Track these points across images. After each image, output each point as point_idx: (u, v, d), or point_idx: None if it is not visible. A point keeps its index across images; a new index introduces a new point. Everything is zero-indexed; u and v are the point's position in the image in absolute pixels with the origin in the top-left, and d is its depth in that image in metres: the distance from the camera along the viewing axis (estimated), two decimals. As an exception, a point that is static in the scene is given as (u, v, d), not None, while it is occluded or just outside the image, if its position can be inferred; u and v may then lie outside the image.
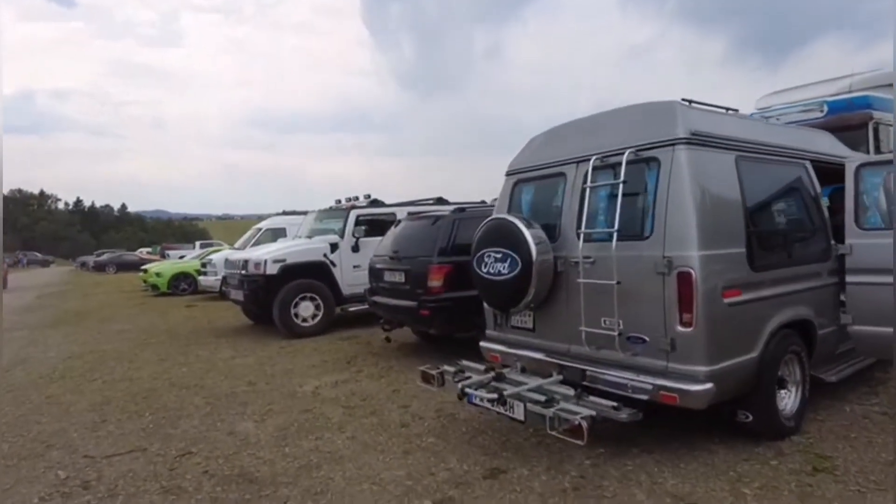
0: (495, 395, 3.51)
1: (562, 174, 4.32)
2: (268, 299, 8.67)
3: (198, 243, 40.83)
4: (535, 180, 4.64)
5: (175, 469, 3.80)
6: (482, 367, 4.30)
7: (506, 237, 4.17)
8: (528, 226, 4.09)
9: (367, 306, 9.30)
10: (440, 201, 10.75)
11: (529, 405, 3.49)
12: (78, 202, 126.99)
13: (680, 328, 3.45)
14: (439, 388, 4.25)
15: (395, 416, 4.78)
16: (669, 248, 3.50)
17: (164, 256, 36.59)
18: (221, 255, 15.38)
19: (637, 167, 3.79)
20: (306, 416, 4.89)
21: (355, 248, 9.27)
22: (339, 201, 10.71)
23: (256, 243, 14.42)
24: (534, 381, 3.81)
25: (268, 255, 8.73)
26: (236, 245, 15.71)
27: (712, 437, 3.90)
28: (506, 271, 4.13)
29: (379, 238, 9.49)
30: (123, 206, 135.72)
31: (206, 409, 5.19)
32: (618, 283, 3.63)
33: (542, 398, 3.48)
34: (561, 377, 3.87)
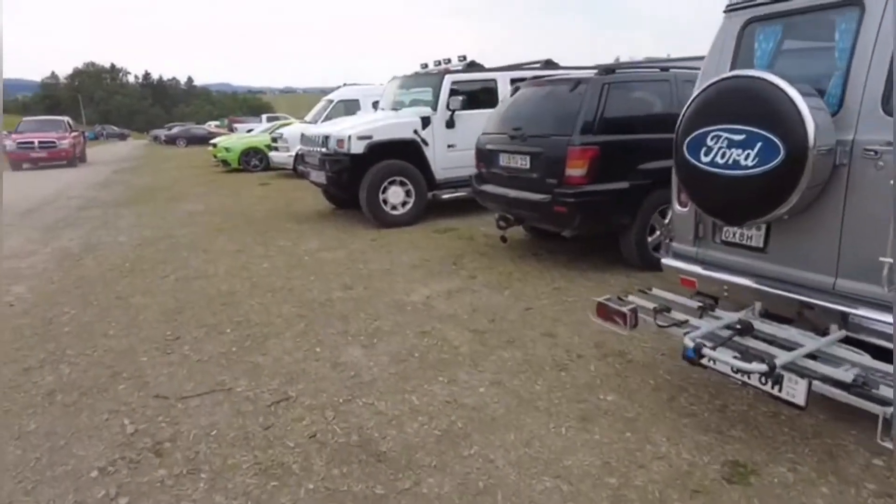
0: (764, 367, 2.19)
1: (852, 4, 2.62)
2: (353, 182, 7.49)
3: (264, 116, 40.05)
4: (786, 17, 2.95)
5: (270, 427, 2.81)
6: (694, 303, 2.98)
7: (757, 108, 2.60)
8: (803, 91, 2.51)
9: (462, 193, 8.07)
10: (549, 64, 8.94)
11: (819, 385, 2.18)
12: (147, 75, 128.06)
13: None
14: (630, 331, 2.98)
15: (543, 350, 3.61)
16: None
17: (231, 130, 36.11)
18: (293, 128, 14.27)
19: None
20: (425, 341, 3.80)
21: (450, 124, 7.79)
22: (425, 66, 9.06)
23: (329, 117, 13.19)
24: (807, 340, 2.45)
25: (351, 130, 7.39)
26: (307, 118, 14.48)
27: None
28: (752, 163, 2.62)
29: (477, 111, 8.00)
30: (190, 80, 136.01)
31: (298, 324, 4.19)
32: None
33: (849, 376, 2.14)
34: (842, 333, 2.49)
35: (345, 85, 15.46)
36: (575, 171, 4.81)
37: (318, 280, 5.27)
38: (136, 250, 6.76)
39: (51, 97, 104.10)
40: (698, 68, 3.53)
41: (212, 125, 47.41)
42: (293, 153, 13.57)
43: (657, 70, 5.56)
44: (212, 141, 19.14)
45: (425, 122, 7.69)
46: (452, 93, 7.75)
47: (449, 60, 8.57)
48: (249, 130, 26.34)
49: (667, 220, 4.45)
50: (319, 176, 7.78)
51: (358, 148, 7.28)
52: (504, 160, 5.58)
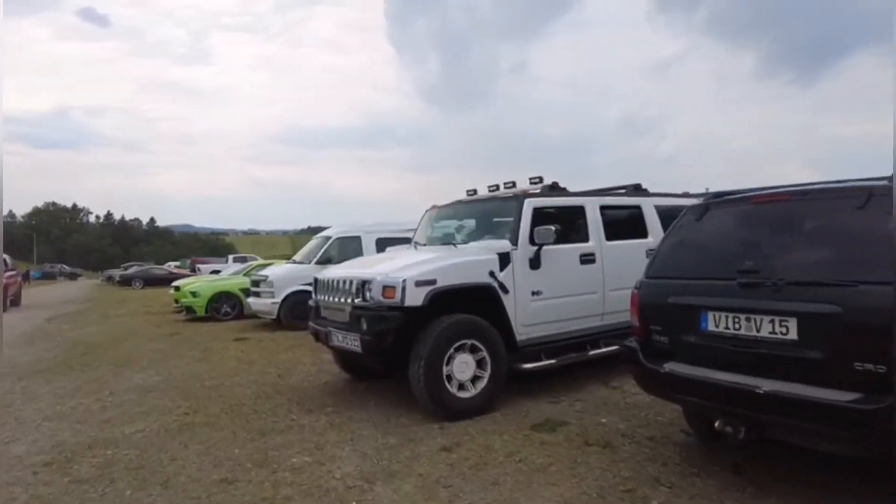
0: None
1: None
2: (401, 347, 4.94)
3: (230, 257, 37.77)
4: None
5: None
6: None
7: None
8: None
9: (552, 361, 5.60)
10: (637, 189, 7.06)
11: None
12: (108, 216, 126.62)
13: None
14: None
15: None
16: None
17: (194, 271, 33.38)
18: (279, 270, 11.87)
19: None
20: None
21: (535, 263, 5.51)
22: (472, 192, 6.93)
23: (325, 257, 11.03)
24: None
25: (404, 272, 4.98)
26: (296, 258, 12.16)
27: None
28: None
29: (565, 247, 5.84)
30: (152, 220, 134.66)
31: None
32: None
33: None
34: None
35: (309, 228, 13.44)
36: (939, 351, 2.44)
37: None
38: (36, 481, 3.83)
39: (4, 235, 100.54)
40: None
41: (172, 265, 44.59)
42: (278, 300, 11.07)
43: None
44: (174, 283, 16.39)
45: (503, 260, 5.38)
46: (535, 222, 5.57)
47: (513, 184, 6.49)
48: (215, 272, 23.84)
49: None
50: (351, 340, 5.14)
51: (416, 298, 4.81)
52: (721, 323, 3.20)
